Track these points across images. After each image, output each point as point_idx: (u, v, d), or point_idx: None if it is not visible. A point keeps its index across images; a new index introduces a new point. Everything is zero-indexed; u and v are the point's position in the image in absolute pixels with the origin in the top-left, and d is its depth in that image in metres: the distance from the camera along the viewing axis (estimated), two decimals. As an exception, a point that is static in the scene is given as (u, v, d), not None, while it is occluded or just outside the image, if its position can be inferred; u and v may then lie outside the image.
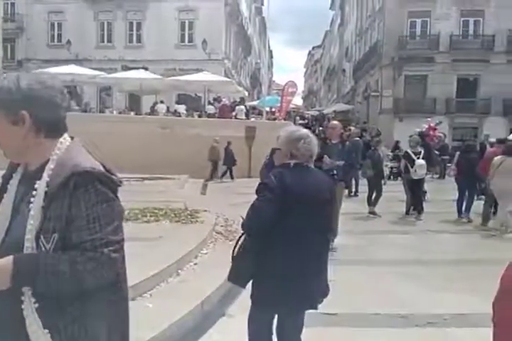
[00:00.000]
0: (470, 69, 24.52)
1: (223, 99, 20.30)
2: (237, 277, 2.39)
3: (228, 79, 22.22)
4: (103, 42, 27.80)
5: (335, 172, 5.78)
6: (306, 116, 33.65)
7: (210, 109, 19.37)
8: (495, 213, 8.35)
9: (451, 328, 3.70)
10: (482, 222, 8.24)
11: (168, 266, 4.30)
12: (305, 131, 2.50)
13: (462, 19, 24.89)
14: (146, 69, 21.22)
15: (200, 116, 18.82)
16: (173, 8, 26.62)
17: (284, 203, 2.23)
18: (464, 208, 8.66)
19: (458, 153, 9.50)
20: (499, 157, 7.65)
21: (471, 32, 25.03)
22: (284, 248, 2.26)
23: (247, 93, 29.18)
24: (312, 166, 2.45)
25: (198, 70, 21.40)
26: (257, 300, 2.35)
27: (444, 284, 4.79)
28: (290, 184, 2.27)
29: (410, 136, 9.91)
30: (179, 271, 4.47)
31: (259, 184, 2.35)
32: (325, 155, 5.74)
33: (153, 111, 19.57)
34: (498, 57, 24.09)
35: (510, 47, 24.11)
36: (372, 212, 8.97)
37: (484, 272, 5.24)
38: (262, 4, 41.31)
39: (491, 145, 10.30)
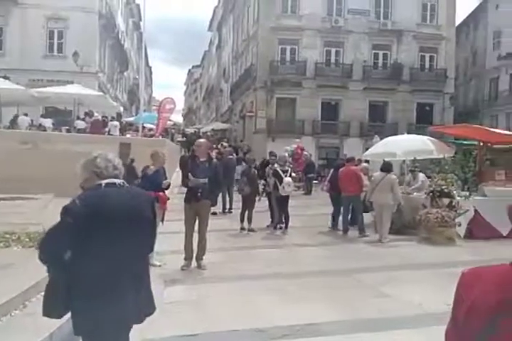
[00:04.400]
0: (332, 94, 27.02)
1: (95, 114, 19.32)
2: (48, 309, 2.23)
3: (102, 94, 21.24)
4: (-44, 47, 24.67)
5: (200, 190, 5.86)
6: (188, 133, 33.74)
7: (80, 124, 18.25)
8: (352, 223, 9.18)
9: (304, 339, 3.89)
10: (342, 233, 9.06)
11: (12, 298, 3.86)
12: (98, 152, 2.41)
13: (325, 48, 27.43)
14: (6, 78, 19.27)
15: (68, 131, 17.60)
16: (41, 16, 24.77)
17: (93, 225, 2.14)
18: (339, 221, 9.39)
19: (332, 170, 10.32)
20: (378, 173, 8.63)
21: (333, 60, 27.67)
22: (95, 270, 2.16)
23: (122, 108, 28.22)
24: (125, 184, 2.39)
25: (68, 82, 20.11)
26: (75, 329, 2.22)
27: (302, 295, 5.07)
28: (99, 205, 2.18)
29: (270, 153, 10.41)
30: (26, 303, 4.05)
31: (63, 207, 2.23)
32: (189, 173, 5.80)
33: (13, 124, 17.77)
34: (355, 85, 26.97)
35: (365, 76, 27.17)
36: (250, 229, 9.23)
37: (341, 282, 5.72)
38: (140, 19, 40.64)
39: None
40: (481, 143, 11.06)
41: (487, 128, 13.50)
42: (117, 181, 2.30)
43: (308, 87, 26.73)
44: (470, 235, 8.58)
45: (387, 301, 4.92)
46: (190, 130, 39.30)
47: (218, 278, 5.79)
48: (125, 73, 40.27)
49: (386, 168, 8.72)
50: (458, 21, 31.38)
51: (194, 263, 6.20)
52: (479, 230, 8.56)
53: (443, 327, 3.73)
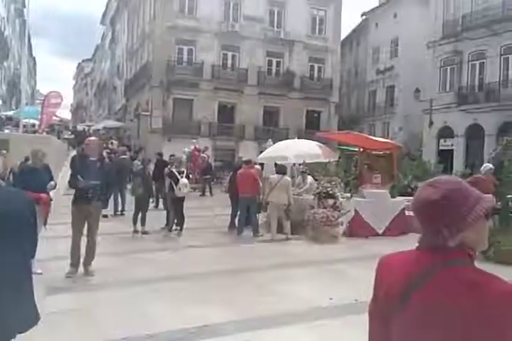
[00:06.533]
0: (228, 98, 27.38)
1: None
2: None
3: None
4: None
5: (90, 191, 5.55)
6: (78, 131, 31.81)
7: None
8: (246, 224, 9.40)
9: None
10: (237, 234, 9.24)
11: None
12: None
13: (222, 52, 27.73)
14: None
15: None
16: None
17: None
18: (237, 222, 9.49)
19: (231, 172, 10.45)
20: (275, 175, 9.09)
21: (229, 64, 28.03)
22: None
23: (0, 101, 25.58)
24: (2, 184, 2.22)
25: None
26: None
27: (195, 297, 5.07)
28: None
29: (172, 156, 10.32)
30: None
31: None
32: (78, 174, 5.47)
33: None
34: (251, 89, 27.70)
35: (260, 82, 27.99)
36: (143, 232, 8.98)
37: (234, 282, 5.83)
38: (24, 6, 37.10)
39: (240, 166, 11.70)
40: (361, 149, 12.11)
41: (366, 135, 14.84)
42: None
43: (205, 89, 26.78)
44: (351, 233, 9.33)
45: (278, 299, 5.14)
46: (80, 127, 37.00)
47: (107, 284, 5.54)
48: (5, 63, 36.50)
49: (282, 170, 9.20)
50: (343, 35, 34.09)
51: (81, 269, 5.85)
52: (359, 229, 9.34)
53: (326, 322, 4.03)
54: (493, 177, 8.70)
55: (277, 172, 9.24)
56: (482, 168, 9.15)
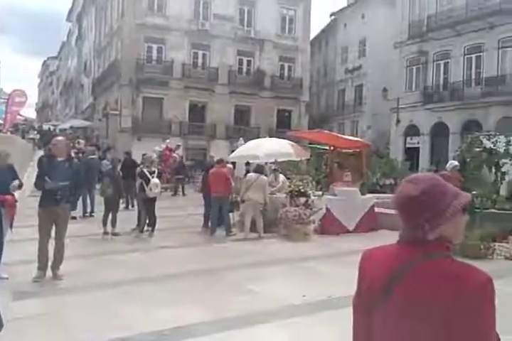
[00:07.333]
0: (199, 97, 27.21)
1: None
2: None
3: None
4: None
5: (59, 192, 5.39)
6: (45, 130, 30.95)
7: None
8: (219, 223, 9.38)
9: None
10: (210, 233, 9.20)
11: None
12: None
13: (193, 51, 27.51)
14: None
15: None
16: None
17: None
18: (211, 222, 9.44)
19: (204, 172, 10.42)
20: (253, 174, 9.14)
21: (200, 63, 27.85)
22: None
23: (-41, 100, 24.62)
24: None
25: None
26: None
27: (168, 299, 5.01)
28: None
29: (144, 155, 10.20)
30: None
31: None
32: (45, 175, 5.31)
33: None
34: (222, 88, 27.61)
35: (231, 81, 27.96)
36: (114, 233, 8.82)
37: (207, 282, 5.80)
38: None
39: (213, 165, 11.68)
40: (332, 148, 12.27)
41: (336, 134, 15.04)
42: None
43: (175, 88, 26.49)
44: (322, 231, 9.44)
45: (252, 298, 5.14)
46: (46, 126, 36.00)
47: (76, 287, 5.40)
48: (-37, 59, 35.12)
49: (259, 170, 9.28)
50: (313, 35, 34.43)
51: (49, 273, 5.69)
52: (330, 226, 9.46)
53: (299, 319, 4.08)
54: (459, 174, 8.98)
55: (255, 172, 9.27)
56: (448, 164, 9.42)
